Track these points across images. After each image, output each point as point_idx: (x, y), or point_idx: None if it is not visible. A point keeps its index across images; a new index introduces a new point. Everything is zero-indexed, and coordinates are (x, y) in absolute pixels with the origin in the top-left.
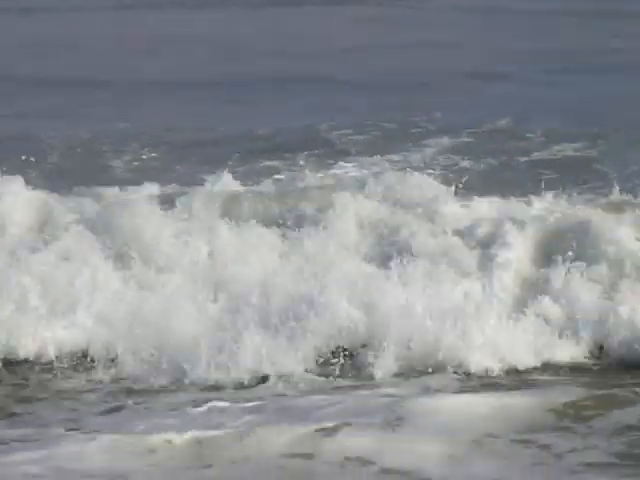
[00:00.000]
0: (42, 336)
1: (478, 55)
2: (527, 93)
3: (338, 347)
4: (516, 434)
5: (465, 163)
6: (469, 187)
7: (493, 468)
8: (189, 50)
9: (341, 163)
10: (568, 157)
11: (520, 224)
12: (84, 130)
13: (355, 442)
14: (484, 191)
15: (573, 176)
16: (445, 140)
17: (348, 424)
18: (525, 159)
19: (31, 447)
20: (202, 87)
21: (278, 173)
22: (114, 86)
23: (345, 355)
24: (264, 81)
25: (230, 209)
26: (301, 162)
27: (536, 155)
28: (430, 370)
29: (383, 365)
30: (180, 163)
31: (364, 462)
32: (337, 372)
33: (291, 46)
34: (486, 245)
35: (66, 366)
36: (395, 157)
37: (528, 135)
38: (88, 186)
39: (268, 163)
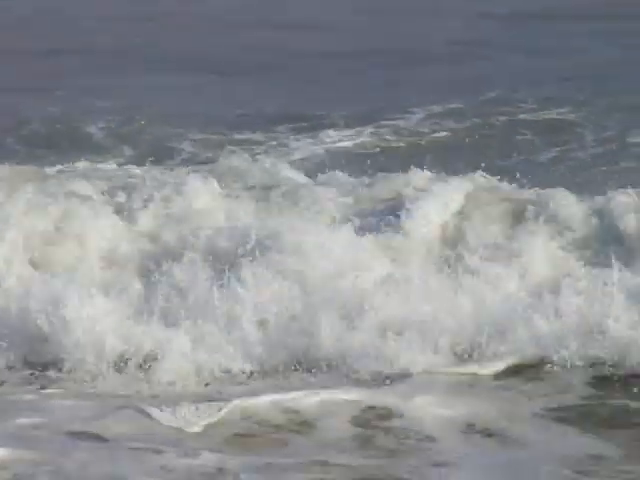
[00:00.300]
0: None
1: (471, 24)
2: (524, 63)
3: None
4: (498, 381)
5: (450, 125)
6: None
7: (467, 410)
8: (182, 25)
9: (327, 132)
10: (551, 120)
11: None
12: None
13: (340, 393)
14: (457, 155)
15: (551, 138)
16: (435, 107)
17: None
18: (505, 120)
19: None
20: (191, 62)
21: (258, 144)
22: (103, 59)
23: None
24: (248, 55)
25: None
26: (283, 133)
27: (520, 117)
28: None
29: None
30: (157, 131)
31: (347, 403)
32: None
33: (274, 19)
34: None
35: None
36: (382, 124)
37: (519, 104)
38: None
39: (248, 136)
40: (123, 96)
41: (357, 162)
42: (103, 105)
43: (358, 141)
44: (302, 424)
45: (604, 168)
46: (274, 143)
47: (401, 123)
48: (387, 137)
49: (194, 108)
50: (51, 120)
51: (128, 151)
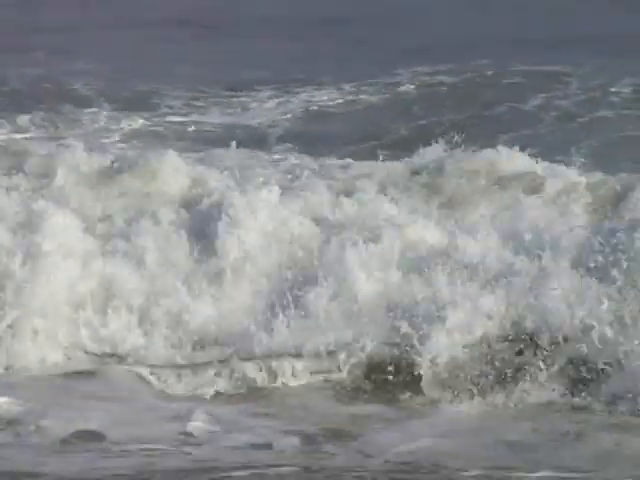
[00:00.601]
0: None
1: None
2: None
3: None
4: None
5: (438, 79)
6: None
7: None
8: None
9: (311, 92)
10: (541, 71)
11: None
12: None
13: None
14: (444, 105)
15: (539, 85)
16: (422, 68)
17: None
18: (495, 72)
19: None
20: (176, 21)
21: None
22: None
23: None
24: (233, 16)
25: None
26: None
27: (510, 69)
28: None
29: None
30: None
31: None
32: None
33: None
34: None
35: None
36: (367, 82)
37: (510, 62)
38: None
39: (229, 94)
40: (105, 53)
41: (340, 118)
42: (85, 64)
43: (344, 99)
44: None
45: (585, 119)
46: (252, 102)
47: (387, 80)
48: (372, 93)
49: (178, 67)
50: (34, 79)
51: (107, 107)
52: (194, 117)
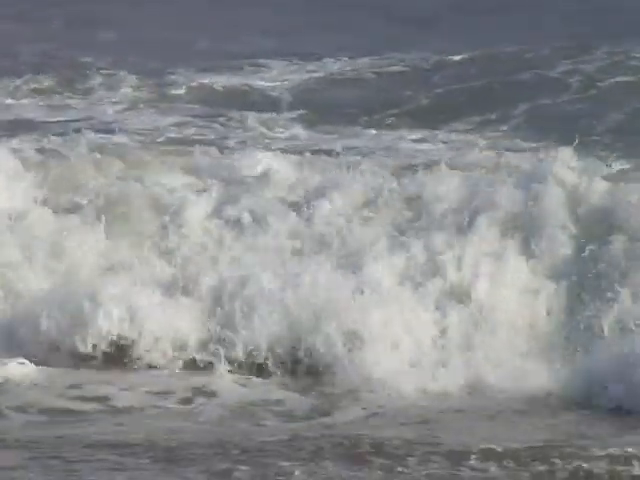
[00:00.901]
0: None
1: None
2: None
3: None
4: None
5: (459, 53)
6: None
7: None
8: None
9: (326, 61)
10: (568, 42)
11: None
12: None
13: None
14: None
15: (566, 52)
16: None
17: None
18: (520, 46)
19: None
20: None
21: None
22: None
23: None
24: None
25: None
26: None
27: (536, 44)
28: None
29: None
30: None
31: None
32: None
33: None
34: None
35: None
36: (383, 56)
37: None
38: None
39: (242, 62)
40: (122, 26)
41: (358, 86)
42: (102, 36)
43: (361, 67)
44: None
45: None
46: (265, 70)
47: (402, 56)
48: (390, 63)
49: (194, 37)
50: (49, 50)
51: (121, 76)
52: (208, 83)
